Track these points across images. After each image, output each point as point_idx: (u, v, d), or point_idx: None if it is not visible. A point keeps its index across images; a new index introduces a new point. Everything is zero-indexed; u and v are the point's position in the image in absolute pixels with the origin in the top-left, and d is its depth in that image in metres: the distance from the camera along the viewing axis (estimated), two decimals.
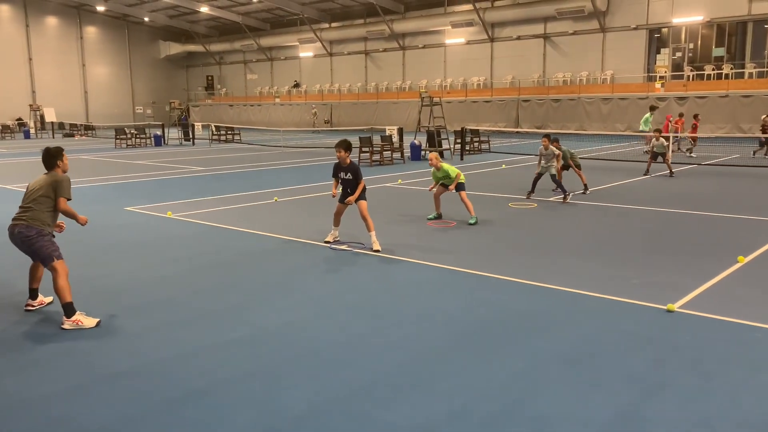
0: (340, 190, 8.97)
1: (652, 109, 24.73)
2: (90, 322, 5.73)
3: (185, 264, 8.01)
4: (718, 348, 5.09)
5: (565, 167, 13.47)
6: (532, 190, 12.93)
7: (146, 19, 56.60)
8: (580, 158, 15.39)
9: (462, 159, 21.76)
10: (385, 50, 48.45)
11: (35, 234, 5.79)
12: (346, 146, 8.74)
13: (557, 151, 12.52)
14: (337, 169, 8.86)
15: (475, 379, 4.58)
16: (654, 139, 16.94)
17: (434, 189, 10.78)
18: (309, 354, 5.10)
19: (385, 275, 7.40)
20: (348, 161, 8.72)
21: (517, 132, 36.97)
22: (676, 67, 35.82)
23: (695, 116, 23.55)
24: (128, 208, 12.22)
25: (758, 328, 5.49)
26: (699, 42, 36.07)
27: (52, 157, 6.02)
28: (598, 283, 6.82)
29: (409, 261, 7.94)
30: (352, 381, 4.58)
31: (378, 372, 4.73)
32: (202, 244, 9.19)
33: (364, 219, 8.67)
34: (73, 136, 43.05)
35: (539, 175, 12.73)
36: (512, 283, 6.94)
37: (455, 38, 43.89)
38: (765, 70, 32.54)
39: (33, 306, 6.18)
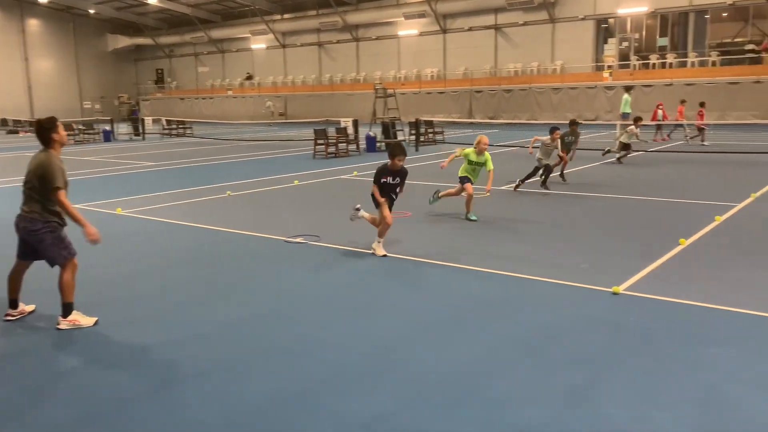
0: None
1: (628, 89, 24.86)
2: (88, 321, 5.58)
3: (136, 262, 7.87)
4: (662, 327, 5.29)
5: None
6: (540, 181, 12.52)
7: (92, 11, 54.89)
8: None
9: (417, 150, 21.88)
10: (338, 42, 48.23)
11: (41, 229, 5.37)
12: (405, 152, 7.94)
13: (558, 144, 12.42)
14: (384, 173, 7.92)
15: (434, 366, 4.66)
16: (634, 127, 16.71)
17: (446, 166, 10.36)
18: (268, 348, 5.10)
19: (344, 267, 7.43)
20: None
21: (471, 123, 37.33)
22: (623, 56, 36.70)
23: (701, 104, 22.81)
24: (76, 206, 11.88)
25: (698, 306, 5.73)
26: (644, 32, 37.04)
27: (45, 131, 5.42)
28: (549, 269, 7.00)
29: (366, 252, 7.98)
30: (311, 373, 4.60)
31: (337, 363, 4.76)
32: (154, 241, 9.04)
33: (384, 222, 7.81)
34: (17, 132, 41.52)
35: (545, 168, 12.34)
36: (468, 271, 7.05)
37: (408, 30, 43.98)
38: (706, 59, 33.62)
39: (13, 316, 5.81)
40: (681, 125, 23.31)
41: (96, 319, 5.66)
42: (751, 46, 33.66)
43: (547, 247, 8.10)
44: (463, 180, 9.90)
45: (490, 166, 9.65)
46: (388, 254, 7.72)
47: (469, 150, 9.87)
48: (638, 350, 4.86)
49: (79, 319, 5.58)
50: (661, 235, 8.52)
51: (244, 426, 3.89)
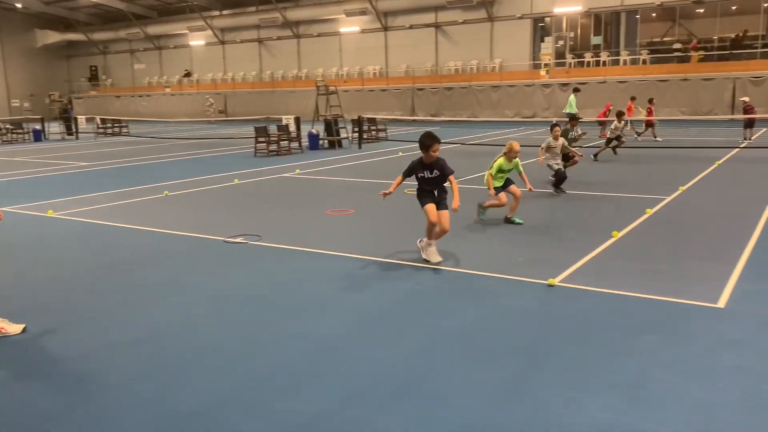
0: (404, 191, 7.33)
1: (576, 91, 25.29)
2: (15, 328, 5.34)
3: (70, 265, 7.61)
4: (594, 318, 5.48)
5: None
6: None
7: (19, 5, 52.56)
8: (474, 144, 15.82)
9: (360, 148, 21.91)
10: (279, 38, 47.73)
11: None
12: (439, 140, 7.10)
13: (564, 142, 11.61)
14: (418, 167, 7.22)
15: (372, 363, 4.69)
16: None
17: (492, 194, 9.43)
18: (205, 350, 5.02)
19: (281, 267, 7.38)
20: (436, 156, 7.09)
21: (413, 120, 37.61)
22: (559, 54, 37.68)
23: (650, 100, 23.12)
24: (4, 209, 11.41)
25: (630, 296, 5.96)
26: (579, 31, 38.15)
27: None
28: (486, 263, 7.13)
29: (305, 251, 7.95)
30: (250, 374, 4.56)
31: (276, 363, 4.73)
32: (87, 243, 8.76)
33: (443, 229, 7.17)
34: None
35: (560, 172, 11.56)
36: (406, 267, 7.12)
37: (349, 27, 43.92)
38: (637, 57, 34.88)
39: None
40: (630, 121, 23.77)
41: (24, 326, 5.45)
42: (678, 46, 35.15)
43: (484, 241, 8.26)
44: (499, 190, 9.40)
45: (521, 168, 9.43)
46: (435, 263, 7.03)
47: (500, 161, 9.38)
48: (571, 340, 5.02)
49: (6, 326, 5.36)
50: (594, 228, 8.80)
51: (181, 429, 3.82)
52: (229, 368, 4.66)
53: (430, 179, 7.25)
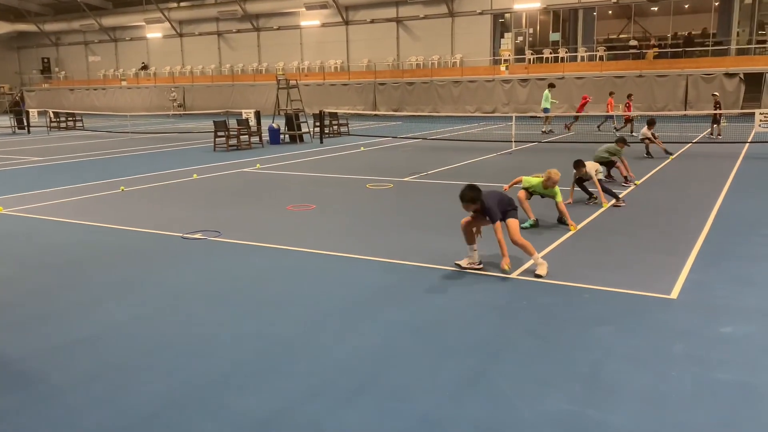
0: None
1: (551, 86, 25.44)
2: None
3: (19, 263, 7.38)
4: (553, 310, 5.56)
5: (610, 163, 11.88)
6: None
7: None
8: (435, 139, 15.88)
9: (321, 142, 21.79)
10: (239, 31, 47.06)
11: None
12: (465, 198, 6.62)
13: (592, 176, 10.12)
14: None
15: (333, 358, 4.67)
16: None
17: (507, 189, 8.98)
18: (161, 348, 4.92)
19: (241, 263, 7.29)
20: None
21: (375, 115, 37.59)
22: (519, 50, 38.10)
23: (629, 96, 23.52)
24: None
25: (586, 289, 6.07)
26: (538, 27, 38.64)
27: None
28: (447, 257, 7.17)
29: (266, 247, 7.87)
30: (208, 372, 4.49)
31: (234, 361, 4.67)
32: (40, 240, 8.50)
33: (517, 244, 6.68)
34: None
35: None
36: (369, 262, 7.11)
37: (310, 20, 43.57)
38: (594, 54, 35.51)
39: None
40: (611, 117, 24.01)
41: None
42: (634, 42, 35.91)
43: (444, 235, 8.30)
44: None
45: (560, 198, 8.62)
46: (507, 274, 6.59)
47: (535, 182, 8.71)
48: (529, 332, 5.08)
49: None
50: (553, 222, 8.92)
51: (136, 430, 3.74)
52: (186, 367, 4.58)
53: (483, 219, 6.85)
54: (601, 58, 35.07)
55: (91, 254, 7.73)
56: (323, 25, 43.43)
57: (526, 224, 8.55)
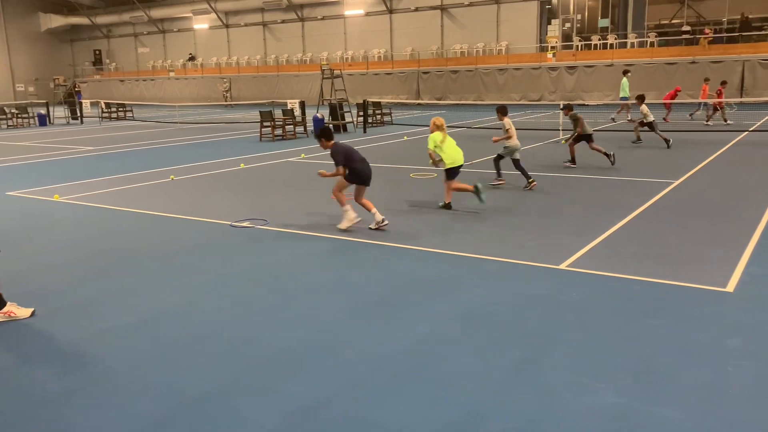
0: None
1: (626, 73, 23.97)
2: (24, 312, 5.37)
3: (75, 248, 7.62)
4: (602, 302, 5.45)
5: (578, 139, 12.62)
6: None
7: None
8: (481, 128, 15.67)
9: (365, 132, 21.81)
10: (283, 21, 47.40)
11: None
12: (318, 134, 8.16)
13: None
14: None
15: (378, 346, 4.68)
16: (644, 106, 16.11)
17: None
18: (209, 333, 5.02)
19: (288, 250, 7.36)
20: None
21: (419, 104, 37.41)
22: (566, 37, 37.31)
23: (722, 83, 22.20)
24: (10, 193, 11.44)
25: (637, 280, 5.93)
26: (586, 13, 37.71)
27: None
28: (495, 247, 7.10)
29: (311, 235, 7.93)
30: (254, 357, 4.56)
31: (280, 347, 4.73)
32: (93, 227, 8.76)
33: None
34: None
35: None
36: (414, 251, 7.09)
37: (354, 10, 43.56)
38: (645, 40, 34.52)
39: None
40: (706, 104, 22.91)
41: (32, 309, 5.46)
42: (687, 28, 34.73)
43: (491, 226, 8.22)
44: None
45: (431, 145, 8.98)
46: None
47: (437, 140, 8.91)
48: (579, 324, 4.99)
49: (15, 310, 5.38)
50: (603, 211, 8.74)
51: (184, 413, 3.83)
52: (234, 352, 4.66)
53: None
54: (652, 44, 34.07)
55: (142, 241, 7.92)
56: (367, 14, 43.36)
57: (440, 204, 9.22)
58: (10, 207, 10.19)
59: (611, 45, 35.09)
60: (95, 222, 9.06)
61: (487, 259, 6.70)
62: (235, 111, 37.85)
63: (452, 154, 8.86)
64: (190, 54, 52.80)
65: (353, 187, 8.17)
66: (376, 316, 5.30)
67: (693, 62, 31.45)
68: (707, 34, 33.09)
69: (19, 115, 30.13)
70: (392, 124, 24.71)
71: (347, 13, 43.98)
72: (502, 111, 10.57)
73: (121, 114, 32.71)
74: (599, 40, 35.68)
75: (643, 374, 4.16)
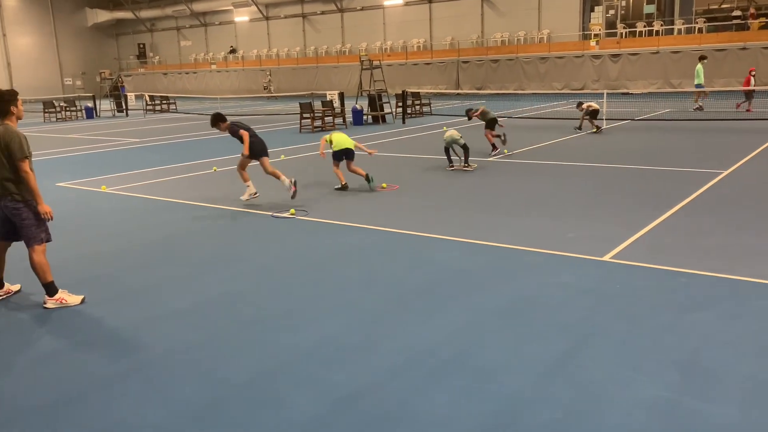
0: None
1: (703, 59, 22.77)
2: (75, 299, 5.57)
3: (122, 238, 7.83)
4: (646, 294, 5.35)
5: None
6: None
7: None
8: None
9: (404, 122, 21.79)
10: (323, 13, 47.58)
11: (23, 208, 5.35)
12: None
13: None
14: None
15: (419, 337, 4.70)
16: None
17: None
18: (253, 321, 5.11)
19: (330, 241, 7.43)
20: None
21: (458, 94, 37.16)
22: (610, 24, 36.50)
23: (752, 68, 21.77)
24: (60, 184, 11.81)
25: (683, 273, 5.80)
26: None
27: (5, 102, 5.37)
28: (536, 239, 7.03)
29: (352, 226, 7.98)
30: (297, 346, 4.63)
31: (323, 335, 4.79)
32: (140, 217, 8.99)
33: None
34: None
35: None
36: (454, 243, 7.08)
37: (393, 0, 43.43)
38: (693, 26, 33.52)
39: None
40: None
41: (83, 297, 5.64)
42: (737, 13, 33.58)
43: (532, 217, 8.14)
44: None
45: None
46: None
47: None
48: (623, 316, 4.92)
49: (66, 297, 5.56)
50: (647, 202, 8.56)
51: (231, 399, 3.91)
52: (277, 340, 4.73)
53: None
54: (700, 30, 33.06)
55: (187, 231, 8.10)
56: (406, 3, 43.18)
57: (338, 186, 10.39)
58: (61, 197, 10.52)
59: (657, 32, 34.19)
60: (141, 212, 9.29)
61: (528, 251, 6.64)
62: (275, 103, 38.21)
63: (340, 141, 10.31)
64: (231, 46, 53.48)
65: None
66: (415, 306, 5.31)
67: (743, 48, 30.42)
68: (753, 14, 31.86)
69: (68, 108, 31.03)
70: (431, 114, 24.61)
71: (386, 3, 43.88)
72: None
73: (165, 107, 33.37)
74: (644, 27, 34.79)
75: (689, 368, 4.08)
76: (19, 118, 5.49)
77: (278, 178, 9.38)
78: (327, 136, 10.46)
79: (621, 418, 3.55)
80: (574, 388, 3.88)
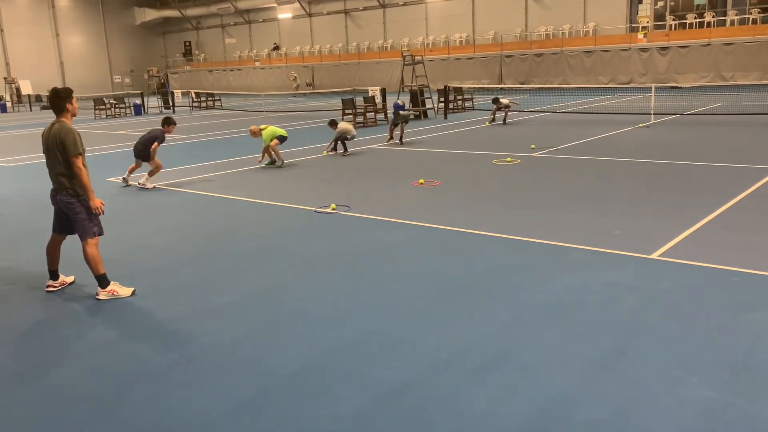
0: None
1: None
2: (125, 291, 5.75)
3: (171, 232, 8.02)
4: (696, 293, 5.22)
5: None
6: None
7: None
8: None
9: (446, 118, 21.69)
10: (365, 9, 47.68)
11: (76, 202, 5.54)
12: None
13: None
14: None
15: (461, 333, 4.69)
16: None
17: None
18: (298, 315, 5.17)
19: (372, 236, 7.46)
20: None
21: (501, 88, 36.77)
22: (659, 16, 35.59)
23: None
24: (110, 179, 12.15)
25: (735, 272, 5.63)
26: None
27: (61, 99, 5.52)
28: (581, 235, 6.93)
29: (394, 221, 8.00)
30: (342, 340, 4.67)
31: (366, 330, 4.82)
32: (188, 211, 9.19)
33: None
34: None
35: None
36: (496, 239, 7.03)
37: None
38: (746, 17, 32.41)
39: (54, 287, 5.96)
40: None
41: (133, 289, 5.80)
42: None
43: (577, 213, 8.01)
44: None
45: (266, 142, 12.64)
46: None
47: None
48: (671, 315, 4.81)
49: (117, 289, 5.73)
50: (696, 199, 8.35)
51: (275, 392, 3.98)
52: (321, 333, 4.79)
53: None
54: (754, 21, 31.94)
55: (233, 226, 8.24)
56: None
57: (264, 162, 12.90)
58: (111, 192, 10.83)
59: (708, 23, 33.18)
60: (189, 207, 9.49)
61: (574, 248, 6.55)
62: (318, 99, 38.48)
63: (274, 130, 12.64)
64: (275, 43, 54.07)
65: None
66: (459, 302, 5.30)
67: None
68: None
69: (117, 105, 31.87)
70: (473, 109, 24.43)
71: None
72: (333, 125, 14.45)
73: (210, 103, 33.97)
74: (695, 18, 33.80)
75: (739, 369, 3.97)
76: (73, 115, 5.68)
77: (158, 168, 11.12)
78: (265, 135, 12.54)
79: (669, 419, 3.48)
80: (621, 388, 3.82)
